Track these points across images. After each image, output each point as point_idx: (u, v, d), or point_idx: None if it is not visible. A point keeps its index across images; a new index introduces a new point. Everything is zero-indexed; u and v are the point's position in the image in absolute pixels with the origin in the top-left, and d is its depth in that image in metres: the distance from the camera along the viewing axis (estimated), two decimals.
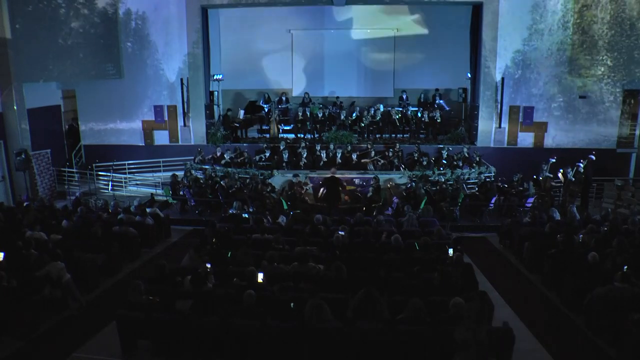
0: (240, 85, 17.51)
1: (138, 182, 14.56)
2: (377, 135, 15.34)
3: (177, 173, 13.02)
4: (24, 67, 12.72)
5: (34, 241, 7.64)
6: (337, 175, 11.78)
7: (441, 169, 12.90)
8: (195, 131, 15.23)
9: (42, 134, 13.55)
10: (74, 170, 14.47)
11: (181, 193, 12.35)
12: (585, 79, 14.22)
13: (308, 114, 15.24)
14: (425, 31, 17.03)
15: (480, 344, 4.34)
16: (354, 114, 15.25)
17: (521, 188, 12.04)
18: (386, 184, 11.99)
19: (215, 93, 16.10)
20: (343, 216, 10.15)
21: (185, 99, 14.98)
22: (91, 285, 7.64)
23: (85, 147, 15.56)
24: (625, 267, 6.10)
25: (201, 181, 12.66)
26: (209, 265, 6.69)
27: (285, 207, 11.34)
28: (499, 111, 14.54)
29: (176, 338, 5.38)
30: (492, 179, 12.67)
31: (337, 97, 16.37)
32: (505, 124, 14.61)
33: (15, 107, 12.61)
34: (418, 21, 16.99)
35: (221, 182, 12.18)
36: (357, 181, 12.44)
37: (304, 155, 13.50)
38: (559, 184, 12.62)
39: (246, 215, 10.09)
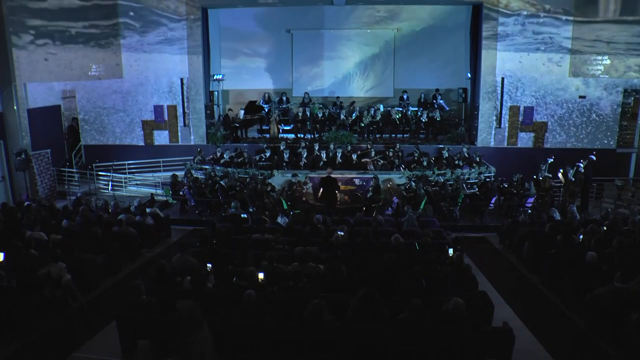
0: (240, 85, 17.53)
1: (138, 182, 14.58)
2: (377, 135, 15.34)
3: (177, 173, 13.03)
4: (24, 67, 12.72)
5: (34, 241, 7.64)
6: (333, 175, 11.78)
7: (441, 169, 12.91)
8: (195, 131, 15.24)
9: (42, 134, 13.56)
10: (74, 170, 14.48)
11: (181, 193, 12.35)
12: (585, 78, 14.23)
13: (308, 114, 15.24)
14: (425, 31, 17.02)
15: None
16: (354, 114, 15.25)
17: (522, 190, 12.04)
18: (386, 184, 11.99)
19: (215, 93, 16.13)
20: (343, 216, 10.15)
21: (185, 99, 14.98)
22: (91, 285, 7.63)
23: (85, 147, 15.57)
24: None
25: (201, 181, 12.66)
26: (209, 265, 6.70)
27: (285, 207, 11.34)
28: (499, 111, 14.55)
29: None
30: (492, 179, 12.68)
31: (337, 97, 16.37)
32: (505, 124, 14.62)
33: (15, 107, 12.61)
34: (418, 21, 16.98)
35: (221, 182, 12.19)
36: (357, 181, 12.44)
37: (304, 155, 13.50)
38: (559, 184, 12.63)
39: (244, 216, 10.09)
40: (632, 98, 14.19)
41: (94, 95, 15.23)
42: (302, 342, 5.11)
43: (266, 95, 16.11)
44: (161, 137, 15.43)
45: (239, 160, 13.66)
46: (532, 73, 14.36)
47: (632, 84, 14.08)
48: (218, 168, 13.06)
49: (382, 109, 15.49)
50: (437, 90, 16.14)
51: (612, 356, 5.71)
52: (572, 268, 7.05)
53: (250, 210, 11.12)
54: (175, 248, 9.93)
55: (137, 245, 9.29)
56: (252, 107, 16.15)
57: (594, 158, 12.19)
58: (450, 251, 7.38)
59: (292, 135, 15.59)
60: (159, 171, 14.70)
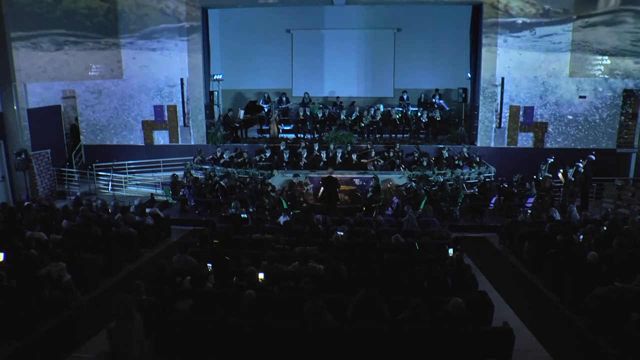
0: (240, 85, 17.53)
1: (138, 182, 14.57)
2: (377, 135, 15.34)
3: (177, 173, 13.03)
4: (24, 67, 12.73)
5: (34, 241, 7.64)
6: (334, 176, 11.79)
7: (441, 169, 12.90)
8: (195, 131, 15.24)
9: (42, 134, 13.56)
10: (74, 170, 14.48)
11: (181, 193, 12.36)
12: (585, 78, 14.22)
13: (308, 114, 15.24)
14: (425, 31, 17.01)
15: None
16: (354, 114, 15.24)
17: (522, 190, 12.03)
18: (386, 184, 11.98)
19: (215, 93, 16.12)
20: (343, 216, 10.16)
21: (185, 99, 14.98)
22: (91, 285, 7.64)
23: (85, 147, 15.56)
24: None
25: (201, 181, 12.66)
26: (209, 265, 6.70)
27: (285, 207, 11.34)
28: (499, 111, 14.55)
29: (176, 338, 5.38)
30: (492, 179, 12.68)
31: (337, 97, 16.37)
32: (505, 124, 14.62)
33: (15, 107, 12.62)
34: (418, 21, 16.97)
35: (221, 182, 12.19)
36: (357, 181, 12.45)
37: (304, 155, 13.50)
38: (559, 184, 12.64)
39: (244, 216, 10.09)
40: (632, 98, 14.18)
41: (94, 95, 15.23)
42: (302, 342, 5.11)
43: (266, 95, 16.10)
44: (161, 137, 15.43)
45: (239, 160, 13.66)
46: (532, 73, 14.35)
47: (632, 83, 14.07)
48: (218, 168, 13.06)
49: (382, 109, 15.48)
50: (437, 90, 16.12)
51: (612, 356, 5.71)
52: (572, 268, 7.05)
53: (251, 210, 11.12)
54: (175, 248, 9.94)
55: (137, 245, 9.30)
56: (252, 107, 16.15)
57: (594, 158, 12.19)
58: (450, 251, 7.38)
59: (292, 135, 15.59)
60: (159, 171, 14.69)
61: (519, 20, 14.12)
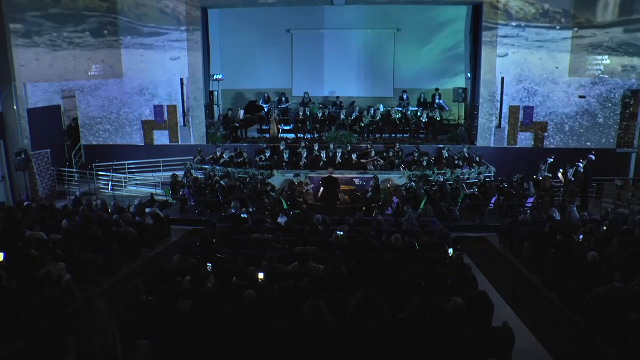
0: (240, 85, 17.52)
1: (138, 182, 14.57)
2: (377, 135, 15.35)
3: (177, 173, 13.03)
4: (24, 67, 12.73)
5: (34, 241, 7.63)
6: (334, 176, 11.79)
7: (441, 169, 12.90)
8: (195, 131, 15.24)
9: (42, 134, 13.56)
10: (74, 170, 14.48)
11: (181, 193, 12.36)
12: (585, 78, 14.22)
13: (308, 114, 15.24)
14: (425, 31, 17.01)
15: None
16: (354, 114, 15.25)
17: (521, 191, 12.04)
18: (386, 184, 11.99)
19: (215, 93, 16.12)
20: (343, 216, 10.15)
21: (185, 99, 14.98)
22: (91, 285, 7.63)
23: (85, 147, 15.57)
24: None
25: (201, 181, 12.67)
26: (209, 265, 6.70)
27: (285, 207, 11.34)
28: (499, 111, 14.55)
29: (176, 338, 5.37)
30: (492, 179, 12.68)
31: (337, 97, 16.37)
32: (505, 124, 14.62)
33: (15, 107, 12.61)
34: (418, 21, 16.97)
35: (221, 182, 12.19)
36: (357, 181, 12.44)
37: (304, 156, 13.50)
38: (559, 184, 12.64)
39: (244, 216, 10.09)
40: (632, 98, 14.18)
41: (94, 95, 15.23)
42: (302, 342, 5.11)
43: (266, 95, 16.10)
44: (161, 137, 15.42)
45: (239, 160, 13.66)
46: (532, 73, 14.35)
47: (632, 83, 14.07)
48: (218, 168, 13.05)
49: (382, 109, 15.48)
50: (437, 90, 16.12)
51: (612, 356, 5.71)
52: (572, 268, 7.05)
53: (251, 210, 11.12)
54: (175, 248, 9.93)
55: (137, 245, 9.29)
56: (252, 107, 16.15)
57: (594, 158, 12.20)
58: (450, 251, 7.38)
59: (292, 135, 15.59)
60: (159, 171, 14.70)
61: (519, 20, 14.12)
